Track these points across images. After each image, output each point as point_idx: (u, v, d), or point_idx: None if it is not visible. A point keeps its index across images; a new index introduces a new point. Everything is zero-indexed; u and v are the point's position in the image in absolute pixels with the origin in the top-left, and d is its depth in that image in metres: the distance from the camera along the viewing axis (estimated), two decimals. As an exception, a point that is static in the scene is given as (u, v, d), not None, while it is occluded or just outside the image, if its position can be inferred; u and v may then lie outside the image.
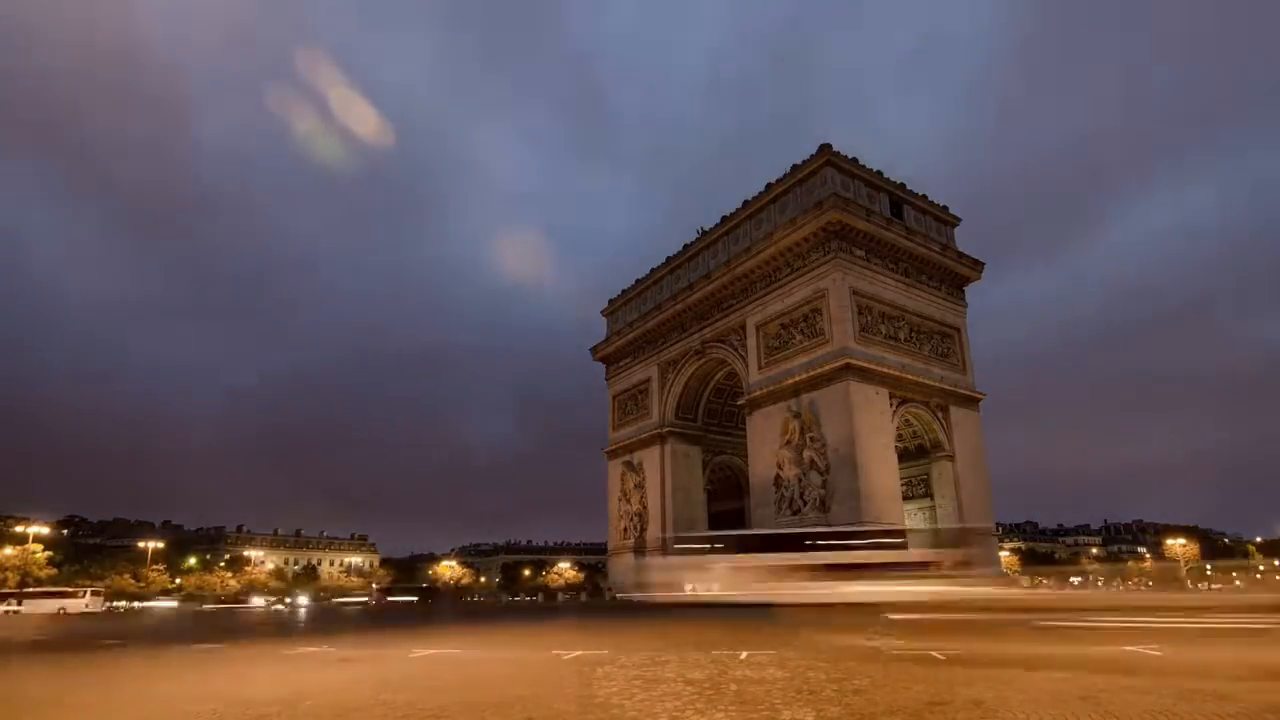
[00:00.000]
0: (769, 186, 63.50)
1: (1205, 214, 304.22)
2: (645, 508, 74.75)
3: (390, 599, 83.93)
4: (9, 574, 72.06)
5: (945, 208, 66.38)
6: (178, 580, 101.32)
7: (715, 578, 35.92)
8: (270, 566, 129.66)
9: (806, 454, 54.52)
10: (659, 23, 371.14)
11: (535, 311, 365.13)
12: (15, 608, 59.44)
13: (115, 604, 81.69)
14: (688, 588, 38.63)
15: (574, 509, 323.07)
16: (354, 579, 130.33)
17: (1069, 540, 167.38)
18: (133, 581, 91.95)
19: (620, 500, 78.28)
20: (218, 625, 34.65)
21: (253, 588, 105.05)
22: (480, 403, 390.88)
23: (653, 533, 72.72)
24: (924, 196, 64.43)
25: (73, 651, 19.07)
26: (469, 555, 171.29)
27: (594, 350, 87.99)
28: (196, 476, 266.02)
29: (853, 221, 56.43)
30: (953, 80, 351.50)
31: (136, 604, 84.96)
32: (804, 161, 60.20)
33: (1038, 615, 25.41)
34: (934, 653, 12.84)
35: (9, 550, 75.19)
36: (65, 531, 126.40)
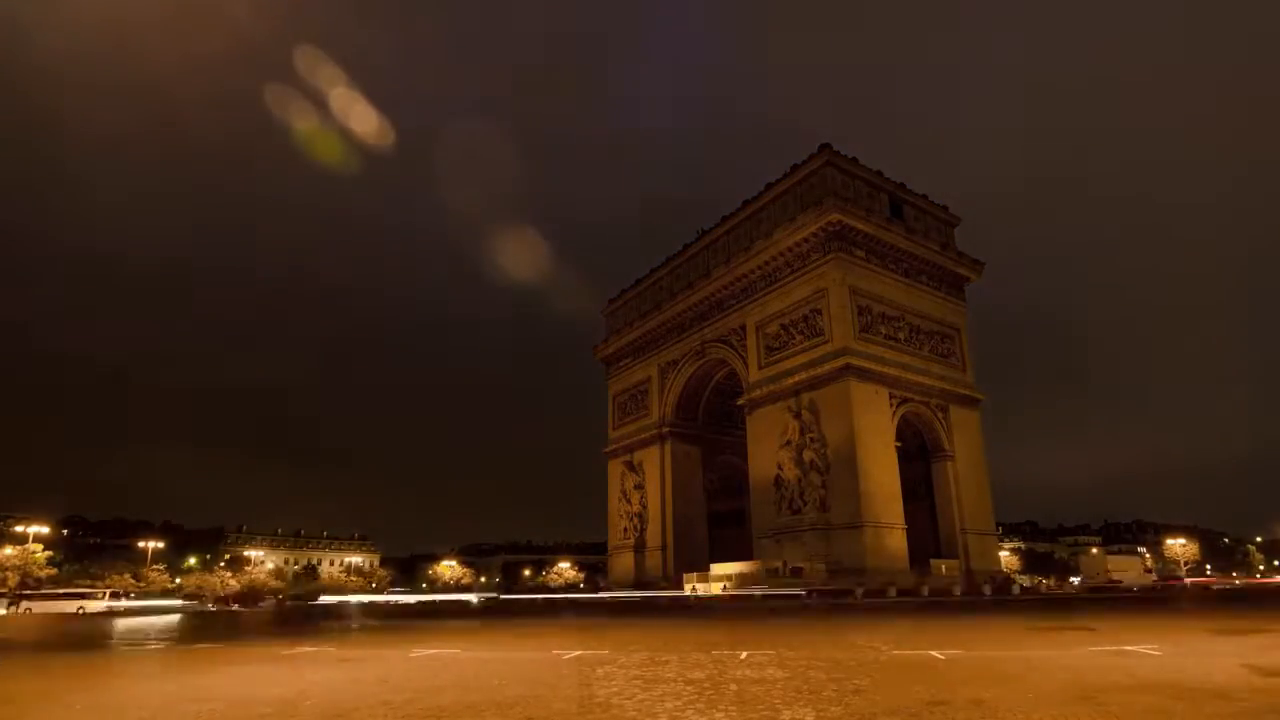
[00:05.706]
0: (769, 186, 63.40)
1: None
2: (645, 507, 74.75)
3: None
4: (9, 574, 71.89)
5: (945, 207, 66.31)
6: (178, 580, 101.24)
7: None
8: (270, 566, 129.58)
9: (806, 454, 54.50)
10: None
11: (535, 310, 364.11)
12: (29, 606, 59.21)
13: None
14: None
15: (573, 508, 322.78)
16: (354, 578, 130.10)
17: (1069, 540, 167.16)
18: (133, 581, 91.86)
19: (620, 500, 78.27)
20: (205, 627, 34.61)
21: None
22: (480, 399, 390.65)
23: (653, 532, 72.72)
24: (924, 196, 64.36)
25: (78, 650, 19.06)
26: (469, 555, 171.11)
27: (595, 350, 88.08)
28: (196, 476, 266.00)
29: (853, 221, 56.39)
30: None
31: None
32: (804, 161, 60.08)
33: None
34: (934, 652, 12.83)
35: (9, 550, 75.03)
36: (65, 531, 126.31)
